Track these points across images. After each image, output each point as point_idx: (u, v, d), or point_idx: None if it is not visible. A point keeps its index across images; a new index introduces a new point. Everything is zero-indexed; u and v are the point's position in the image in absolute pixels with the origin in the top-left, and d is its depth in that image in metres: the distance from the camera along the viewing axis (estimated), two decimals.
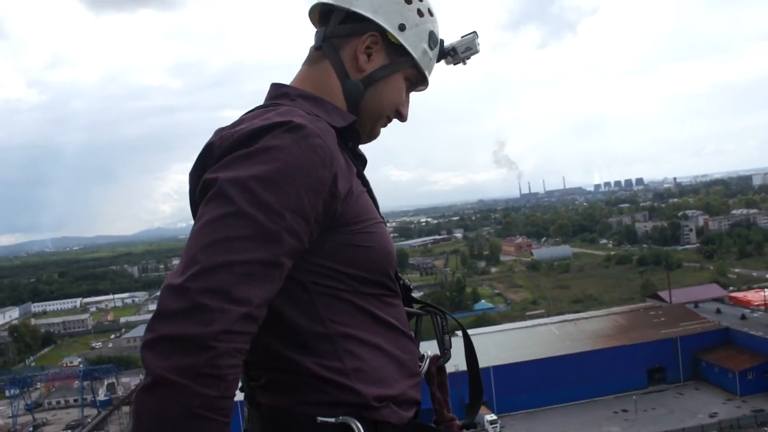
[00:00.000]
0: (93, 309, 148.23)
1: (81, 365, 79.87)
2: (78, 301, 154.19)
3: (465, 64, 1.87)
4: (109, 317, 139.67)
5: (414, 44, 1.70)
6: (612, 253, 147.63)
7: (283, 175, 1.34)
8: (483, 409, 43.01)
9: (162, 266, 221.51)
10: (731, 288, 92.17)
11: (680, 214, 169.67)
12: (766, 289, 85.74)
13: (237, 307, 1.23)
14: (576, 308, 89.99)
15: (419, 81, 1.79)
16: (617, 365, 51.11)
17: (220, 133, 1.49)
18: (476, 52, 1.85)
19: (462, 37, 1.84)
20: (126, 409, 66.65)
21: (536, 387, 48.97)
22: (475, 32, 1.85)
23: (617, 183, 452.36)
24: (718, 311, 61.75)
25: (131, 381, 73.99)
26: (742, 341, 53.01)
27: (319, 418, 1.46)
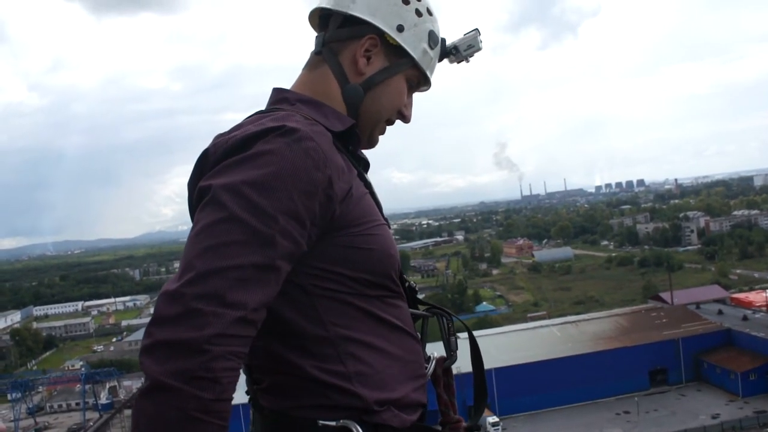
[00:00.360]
0: (94, 312, 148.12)
1: (83, 369, 79.88)
2: (79, 305, 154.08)
3: (468, 61, 1.85)
4: (111, 320, 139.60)
5: (413, 45, 1.68)
6: (613, 254, 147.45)
7: (276, 179, 1.34)
8: (485, 411, 42.96)
9: (163, 269, 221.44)
10: (733, 289, 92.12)
11: (681, 215, 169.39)
12: (767, 290, 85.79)
13: (231, 311, 1.24)
14: (577, 310, 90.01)
15: (421, 81, 1.77)
16: (619, 367, 51.10)
17: (216, 140, 1.50)
18: (479, 49, 1.82)
19: (464, 35, 1.82)
20: (128, 412, 66.74)
21: (538, 389, 48.97)
22: (476, 29, 1.82)
23: (618, 184, 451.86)
24: (720, 312, 61.69)
25: (133, 384, 73.96)
26: (744, 342, 53.00)
27: (320, 422, 1.47)
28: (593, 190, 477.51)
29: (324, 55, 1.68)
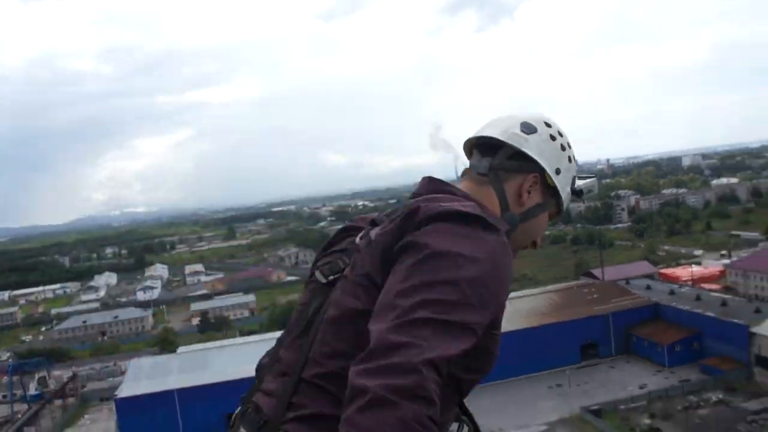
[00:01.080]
0: (23, 302, 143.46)
1: (10, 359, 77.35)
2: (6, 294, 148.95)
3: (584, 202, 2.12)
4: (40, 309, 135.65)
5: (563, 187, 1.85)
6: (546, 232, 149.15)
7: (490, 267, 1.42)
8: None
9: (95, 255, 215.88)
10: (661, 265, 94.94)
11: (613, 194, 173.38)
12: (693, 266, 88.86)
13: (434, 353, 1.25)
14: (511, 288, 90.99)
15: (555, 217, 1.94)
16: (552, 342, 52.20)
17: (419, 203, 1.55)
18: (595, 193, 2.02)
19: (584, 180, 1.99)
20: (59, 402, 64.91)
21: None
22: (595, 177, 2.01)
23: None
24: (648, 287, 63.46)
25: (63, 374, 72.03)
26: (671, 316, 54.87)
27: None
28: None
29: (490, 179, 1.79)
